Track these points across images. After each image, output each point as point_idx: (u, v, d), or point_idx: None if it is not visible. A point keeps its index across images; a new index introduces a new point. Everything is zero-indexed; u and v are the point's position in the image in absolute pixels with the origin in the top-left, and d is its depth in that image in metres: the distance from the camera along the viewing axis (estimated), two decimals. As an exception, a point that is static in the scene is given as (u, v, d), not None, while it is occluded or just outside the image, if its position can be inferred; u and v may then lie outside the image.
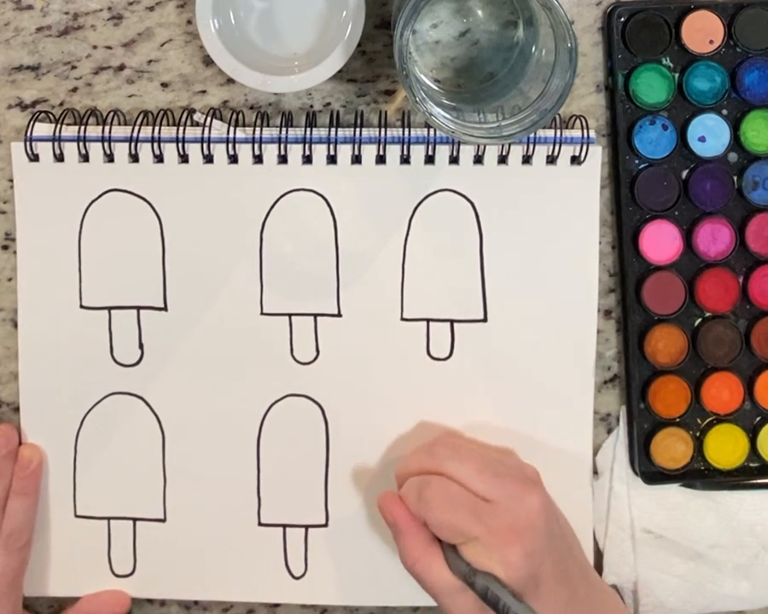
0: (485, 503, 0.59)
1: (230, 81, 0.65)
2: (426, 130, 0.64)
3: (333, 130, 0.64)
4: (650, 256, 0.66)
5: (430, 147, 0.64)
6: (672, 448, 0.66)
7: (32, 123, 0.65)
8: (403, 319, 0.66)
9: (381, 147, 0.64)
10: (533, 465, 0.64)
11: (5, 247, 0.67)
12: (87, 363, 0.67)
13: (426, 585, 0.60)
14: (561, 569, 0.60)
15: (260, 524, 0.68)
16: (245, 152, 0.64)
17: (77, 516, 0.68)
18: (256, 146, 0.64)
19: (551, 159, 0.65)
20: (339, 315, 0.66)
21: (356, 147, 0.64)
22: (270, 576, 0.68)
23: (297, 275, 0.66)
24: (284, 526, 0.68)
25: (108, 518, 0.68)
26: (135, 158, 0.65)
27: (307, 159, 0.65)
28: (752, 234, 0.66)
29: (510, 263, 0.66)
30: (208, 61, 0.64)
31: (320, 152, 0.65)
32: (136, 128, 0.64)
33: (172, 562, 0.68)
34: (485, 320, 0.66)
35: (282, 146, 0.64)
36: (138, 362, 0.67)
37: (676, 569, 0.68)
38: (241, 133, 0.64)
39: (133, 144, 0.64)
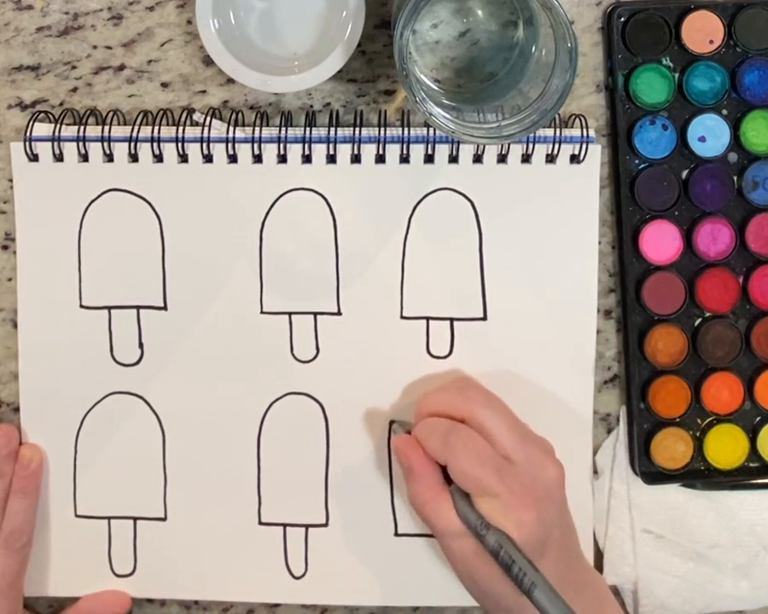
0: (507, 463, 0.59)
1: (230, 81, 0.65)
2: (425, 129, 0.64)
3: (332, 129, 0.64)
4: (650, 256, 0.66)
5: (430, 146, 0.64)
6: (671, 448, 0.66)
7: (31, 123, 0.65)
8: (402, 317, 0.67)
9: (380, 146, 0.64)
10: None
11: (5, 247, 0.67)
12: (87, 363, 0.67)
13: (432, 525, 0.60)
14: (564, 544, 0.61)
15: (260, 523, 0.68)
16: (244, 151, 0.64)
17: (77, 516, 0.68)
18: (255, 145, 0.64)
19: (551, 158, 0.65)
20: (339, 313, 0.66)
21: (355, 146, 0.64)
22: (270, 576, 0.68)
23: (297, 274, 0.66)
24: (284, 525, 0.68)
25: (109, 518, 0.68)
26: (134, 157, 0.65)
27: (307, 159, 0.65)
28: (752, 234, 0.66)
29: (510, 261, 0.66)
30: (208, 61, 0.64)
31: (320, 151, 0.65)
32: (136, 128, 0.64)
33: (173, 562, 0.68)
34: (484, 318, 0.66)
35: (282, 145, 0.64)
36: (138, 362, 0.67)
37: (676, 569, 0.68)
38: (240, 133, 0.65)
39: (133, 144, 0.64)
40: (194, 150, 0.64)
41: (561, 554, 0.60)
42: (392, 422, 0.67)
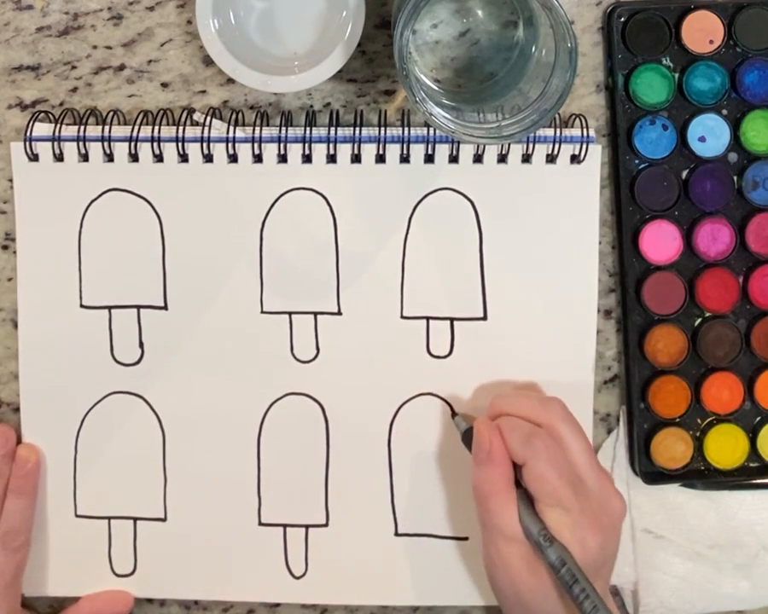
0: (580, 482, 0.59)
1: (230, 81, 0.65)
2: (425, 129, 0.64)
3: (332, 129, 0.64)
4: (650, 256, 0.66)
5: (430, 146, 0.64)
6: (672, 448, 0.66)
7: (31, 123, 0.65)
8: (403, 317, 0.67)
9: (380, 146, 0.64)
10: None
11: (5, 247, 0.67)
12: (87, 363, 0.67)
13: (490, 519, 0.59)
14: (608, 578, 0.61)
15: (261, 523, 0.68)
16: (245, 151, 0.64)
17: (77, 515, 0.68)
18: (256, 145, 0.64)
19: (551, 158, 0.65)
20: (339, 313, 0.66)
21: (356, 146, 0.64)
22: (270, 576, 0.68)
23: (297, 274, 0.66)
24: (284, 526, 0.68)
25: (109, 518, 0.68)
26: (135, 157, 0.65)
27: (307, 159, 0.65)
28: (752, 234, 0.66)
29: (510, 261, 0.66)
30: (208, 61, 0.64)
31: (320, 151, 0.65)
32: (136, 128, 0.64)
33: (172, 562, 0.68)
34: (484, 318, 0.66)
35: (282, 145, 0.64)
36: (138, 362, 0.67)
37: (676, 569, 0.68)
38: (240, 132, 0.65)
39: (133, 144, 0.64)
40: (194, 150, 0.64)
41: (604, 588, 0.60)
42: (454, 415, 0.66)
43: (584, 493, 0.59)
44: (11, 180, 0.66)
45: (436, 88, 0.64)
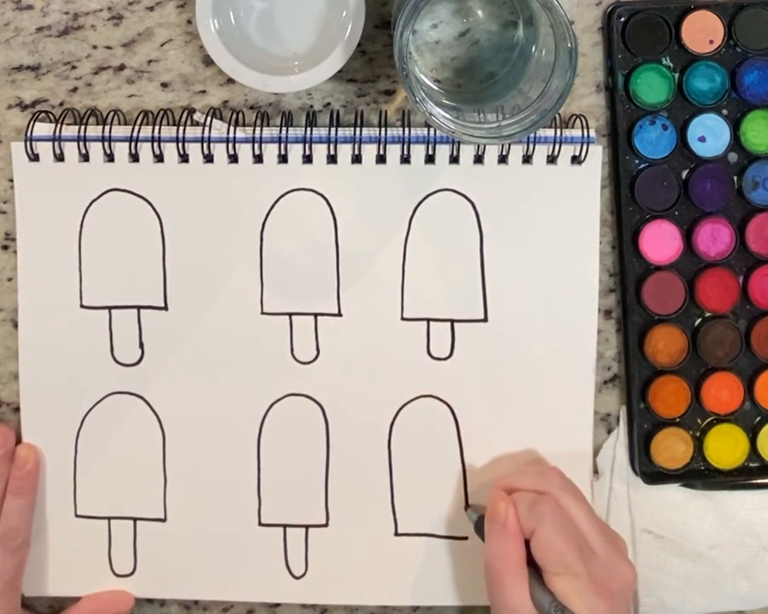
0: (588, 549, 0.59)
1: (230, 81, 0.65)
2: (426, 129, 0.64)
3: (333, 129, 0.64)
4: (650, 256, 0.66)
5: (430, 146, 0.64)
6: (672, 448, 0.66)
7: (32, 123, 0.65)
8: (403, 319, 0.66)
9: (381, 146, 0.64)
10: (532, 458, 0.65)
11: (5, 247, 0.67)
12: (87, 363, 0.67)
13: (502, 598, 0.59)
14: None
15: (261, 524, 0.68)
16: (245, 151, 0.64)
17: (77, 516, 0.68)
18: (256, 145, 0.64)
19: (551, 159, 0.65)
20: (339, 314, 0.66)
21: (356, 146, 0.64)
22: (270, 576, 0.68)
23: (297, 275, 0.66)
24: (284, 526, 0.68)
25: (109, 518, 0.68)
26: (135, 157, 0.65)
27: (307, 159, 0.65)
28: (752, 234, 0.66)
29: (511, 262, 0.66)
30: (208, 61, 0.64)
31: (320, 151, 0.65)
32: (136, 128, 0.64)
33: (172, 562, 0.68)
34: (485, 320, 0.66)
35: (283, 145, 0.64)
36: (138, 362, 0.67)
37: (676, 569, 0.68)
38: (241, 133, 0.65)
39: (133, 144, 0.64)
40: (194, 150, 0.64)
41: None
42: (467, 507, 0.67)
43: (592, 558, 0.59)
44: (11, 180, 0.66)
45: (436, 88, 0.64)
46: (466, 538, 0.68)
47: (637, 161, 0.65)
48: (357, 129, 0.64)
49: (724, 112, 0.65)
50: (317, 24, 0.63)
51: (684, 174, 0.66)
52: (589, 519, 0.60)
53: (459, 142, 0.64)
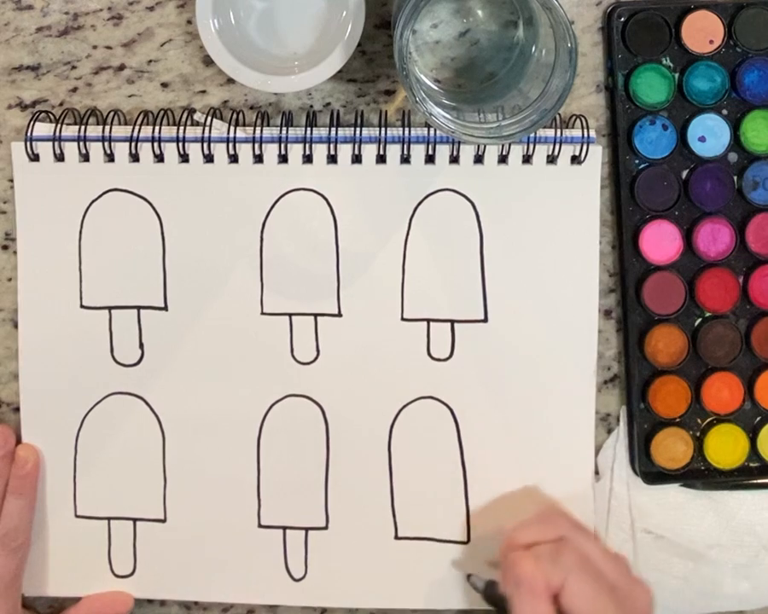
0: (609, 584, 0.57)
1: (230, 81, 0.65)
2: (426, 129, 0.64)
3: (333, 129, 0.64)
4: (650, 256, 0.66)
5: (430, 146, 0.64)
6: (672, 448, 0.66)
7: (32, 123, 0.65)
8: (403, 319, 0.66)
9: (381, 146, 0.64)
10: (534, 463, 0.66)
11: (5, 247, 0.67)
12: (87, 363, 0.67)
13: None
14: None
15: (260, 525, 0.68)
16: (245, 151, 0.64)
17: (77, 516, 0.68)
18: (256, 145, 0.64)
19: (551, 159, 0.65)
20: (339, 315, 0.66)
21: (356, 146, 0.64)
22: (269, 578, 0.68)
23: (297, 275, 0.66)
24: (284, 528, 0.68)
25: (108, 519, 0.68)
26: (135, 157, 0.65)
27: (308, 159, 0.65)
28: (752, 234, 0.66)
29: (511, 262, 0.66)
30: (208, 61, 0.64)
31: (320, 151, 0.65)
32: (137, 128, 0.64)
33: (172, 562, 0.68)
34: (485, 320, 0.66)
35: (283, 145, 0.64)
36: (138, 362, 0.67)
37: (676, 569, 0.68)
38: (241, 133, 0.65)
39: (133, 144, 0.64)
40: (194, 150, 0.64)
41: None
42: (469, 576, 0.66)
43: (619, 596, 0.57)
44: (11, 180, 0.66)
45: (436, 88, 0.64)
46: (466, 542, 0.67)
47: (637, 161, 0.65)
48: (357, 129, 0.64)
49: (724, 112, 0.65)
50: (316, 24, 0.63)
51: (684, 174, 0.66)
52: (605, 554, 0.59)
53: (459, 142, 0.64)
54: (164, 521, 0.68)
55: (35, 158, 0.65)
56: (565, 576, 0.56)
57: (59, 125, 0.64)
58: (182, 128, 0.64)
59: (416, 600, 0.68)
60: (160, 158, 0.65)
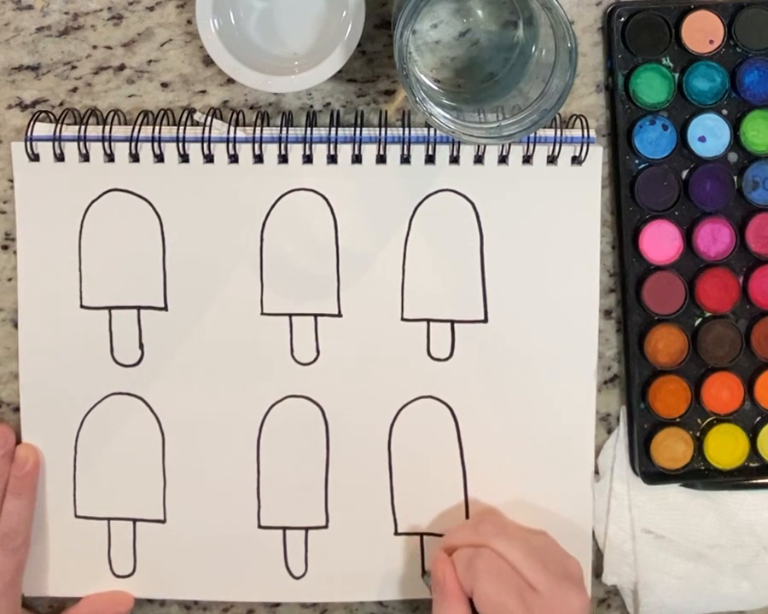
0: (531, 590, 0.59)
1: (230, 81, 0.65)
2: (426, 129, 0.64)
3: (333, 129, 0.64)
4: (650, 256, 0.66)
5: (430, 146, 0.64)
6: (672, 448, 0.66)
7: (32, 123, 0.65)
8: (403, 319, 0.66)
9: (381, 146, 0.64)
10: (534, 462, 0.65)
11: (5, 247, 0.67)
12: (87, 363, 0.67)
13: None
14: None
15: (260, 526, 0.68)
16: (245, 151, 0.64)
17: (77, 516, 0.68)
18: (256, 145, 0.64)
19: (552, 159, 0.65)
20: (339, 315, 0.66)
21: (356, 146, 0.64)
22: (269, 577, 0.68)
23: (297, 275, 0.66)
24: (284, 528, 0.68)
25: (108, 519, 0.68)
26: (135, 157, 0.65)
27: (308, 159, 0.65)
28: (752, 234, 0.66)
29: (511, 263, 0.66)
30: (208, 61, 0.64)
31: (320, 151, 0.65)
32: (137, 128, 0.64)
33: (172, 562, 0.68)
34: (485, 320, 0.66)
35: (283, 145, 0.64)
36: (138, 363, 0.67)
37: (676, 569, 0.68)
38: (241, 133, 0.65)
39: (133, 144, 0.64)
40: (194, 150, 0.64)
41: None
42: (424, 573, 0.67)
43: (536, 601, 0.58)
44: (11, 180, 0.66)
45: (436, 88, 0.64)
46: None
47: (637, 161, 0.65)
48: (357, 129, 0.64)
49: (724, 112, 0.65)
50: (316, 24, 0.63)
51: (684, 174, 0.66)
52: (527, 558, 0.60)
53: (459, 142, 0.64)
54: (164, 521, 0.68)
55: (35, 158, 0.65)
56: (474, 582, 0.59)
57: (59, 125, 0.64)
58: (182, 128, 0.64)
59: (416, 595, 0.68)
60: (160, 158, 0.65)
